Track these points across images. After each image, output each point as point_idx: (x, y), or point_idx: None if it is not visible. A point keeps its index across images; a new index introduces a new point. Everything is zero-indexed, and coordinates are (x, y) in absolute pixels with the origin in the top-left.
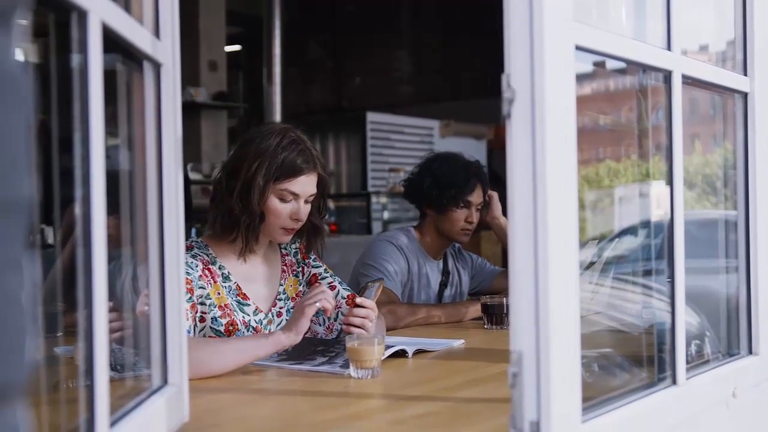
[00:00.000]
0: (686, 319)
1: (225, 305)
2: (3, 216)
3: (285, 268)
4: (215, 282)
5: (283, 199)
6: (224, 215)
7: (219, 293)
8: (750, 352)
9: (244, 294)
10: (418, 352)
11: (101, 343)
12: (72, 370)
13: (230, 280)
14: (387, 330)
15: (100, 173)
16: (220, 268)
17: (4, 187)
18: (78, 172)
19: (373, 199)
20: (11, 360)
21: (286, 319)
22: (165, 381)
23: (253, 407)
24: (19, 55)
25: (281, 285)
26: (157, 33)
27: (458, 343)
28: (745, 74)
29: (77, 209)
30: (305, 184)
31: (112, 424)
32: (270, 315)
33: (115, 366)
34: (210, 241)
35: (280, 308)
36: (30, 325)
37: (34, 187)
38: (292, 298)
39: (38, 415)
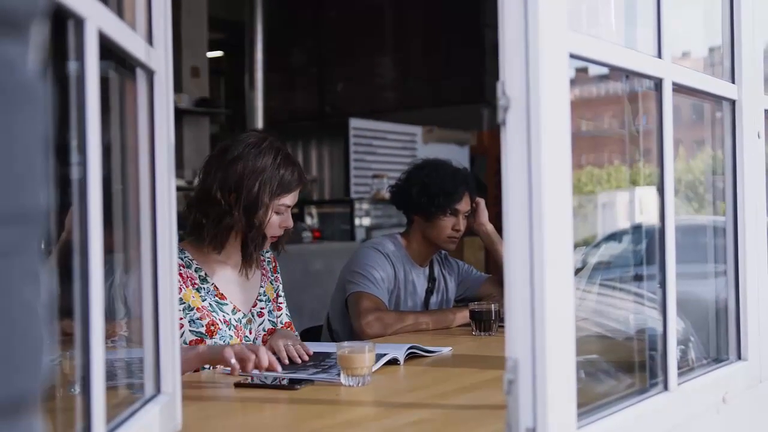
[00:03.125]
0: None
1: (202, 307)
2: (20, 225)
3: (264, 271)
4: (188, 287)
5: (278, 213)
6: (224, 231)
7: (194, 296)
8: (739, 357)
9: (222, 294)
10: (411, 356)
11: (98, 353)
12: (61, 378)
13: (208, 282)
14: (375, 337)
15: (97, 180)
16: (196, 271)
17: (21, 196)
18: (74, 179)
19: (357, 205)
20: (30, 370)
21: (269, 320)
22: (158, 390)
23: (245, 416)
24: (35, 66)
25: (262, 287)
26: (150, 40)
27: (447, 350)
28: (733, 82)
29: (74, 217)
30: (296, 196)
31: None
32: (250, 315)
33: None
34: (189, 246)
35: (261, 308)
36: (46, 335)
37: (50, 196)
38: (272, 300)
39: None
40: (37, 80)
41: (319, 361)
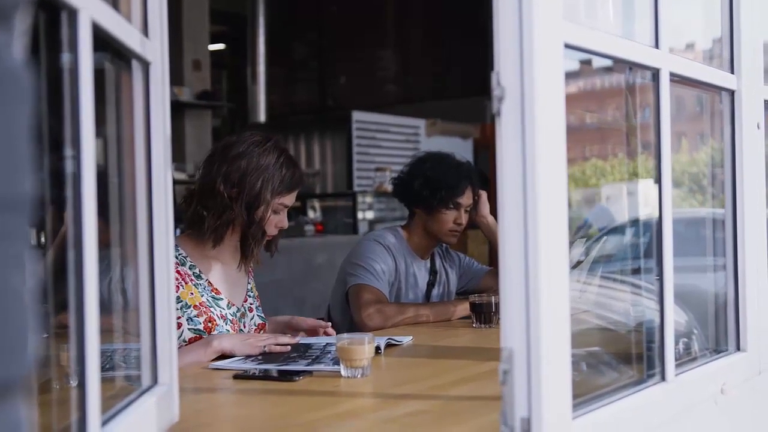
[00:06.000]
0: (674, 317)
1: (200, 303)
2: (6, 212)
3: (250, 270)
4: (187, 283)
5: (275, 212)
6: (224, 225)
7: (192, 293)
8: (738, 348)
9: (216, 289)
10: (390, 345)
11: (92, 344)
12: (58, 371)
13: (202, 278)
14: (375, 329)
15: (91, 174)
16: (190, 268)
17: (8, 183)
18: (68, 173)
19: (359, 198)
20: (15, 356)
21: (257, 315)
22: (155, 380)
23: (243, 407)
24: (20, 54)
25: (249, 283)
26: (145, 31)
27: (407, 340)
28: (732, 72)
29: (68, 210)
30: (294, 197)
31: (104, 423)
32: (243, 309)
33: (104, 366)
34: (182, 241)
35: (251, 304)
36: (32, 321)
37: (35, 184)
38: (256, 297)
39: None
40: (23, 69)
41: (303, 352)
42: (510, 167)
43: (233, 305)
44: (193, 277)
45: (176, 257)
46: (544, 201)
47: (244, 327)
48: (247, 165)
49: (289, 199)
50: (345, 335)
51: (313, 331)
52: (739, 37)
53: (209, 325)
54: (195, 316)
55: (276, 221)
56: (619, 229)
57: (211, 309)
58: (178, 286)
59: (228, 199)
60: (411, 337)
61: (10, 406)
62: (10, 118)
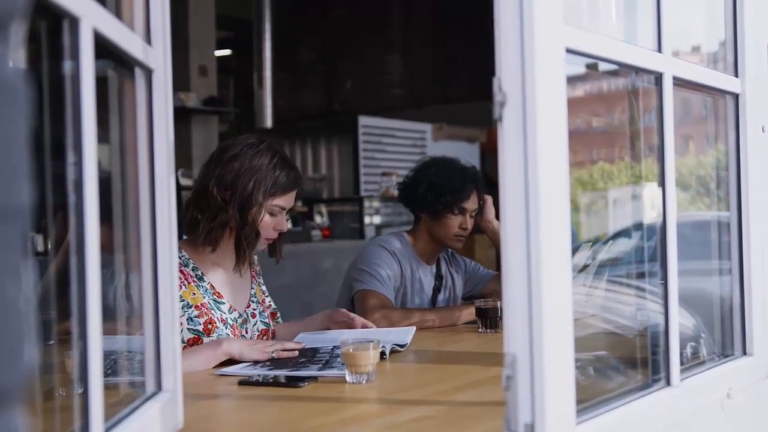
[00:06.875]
0: (681, 322)
1: (201, 305)
2: (2, 222)
3: (254, 274)
4: (189, 283)
5: (272, 214)
6: (219, 227)
7: (194, 294)
8: (744, 352)
9: (219, 293)
10: (394, 351)
11: (95, 351)
12: (63, 378)
13: (204, 281)
14: None
15: (93, 180)
16: (193, 270)
17: (4, 193)
18: (70, 179)
19: (366, 203)
20: (11, 365)
21: (261, 321)
22: (159, 387)
23: (248, 413)
24: (17, 63)
25: (252, 288)
26: (148, 39)
27: (410, 334)
28: (736, 75)
29: (70, 217)
30: (292, 199)
31: (107, 430)
32: (245, 315)
33: (107, 371)
34: (185, 246)
35: (254, 310)
36: (29, 330)
37: (32, 194)
38: (261, 302)
39: (32, 422)
40: (19, 78)
41: (311, 357)
42: (512, 172)
43: (235, 310)
44: (195, 279)
45: (180, 259)
46: (546, 206)
47: (246, 333)
48: (240, 166)
49: (285, 201)
50: (350, 340)
51: (346, 324)
52: (743, 41)
53: (209, 327)
54: (195, 317)
55: (274, 224)
56: (625, 233)
57: (212, 311)
58: (180, 285)
59: (222, 201)
60: (414, 328)
61: (8, 415)
62: (7, 127)
